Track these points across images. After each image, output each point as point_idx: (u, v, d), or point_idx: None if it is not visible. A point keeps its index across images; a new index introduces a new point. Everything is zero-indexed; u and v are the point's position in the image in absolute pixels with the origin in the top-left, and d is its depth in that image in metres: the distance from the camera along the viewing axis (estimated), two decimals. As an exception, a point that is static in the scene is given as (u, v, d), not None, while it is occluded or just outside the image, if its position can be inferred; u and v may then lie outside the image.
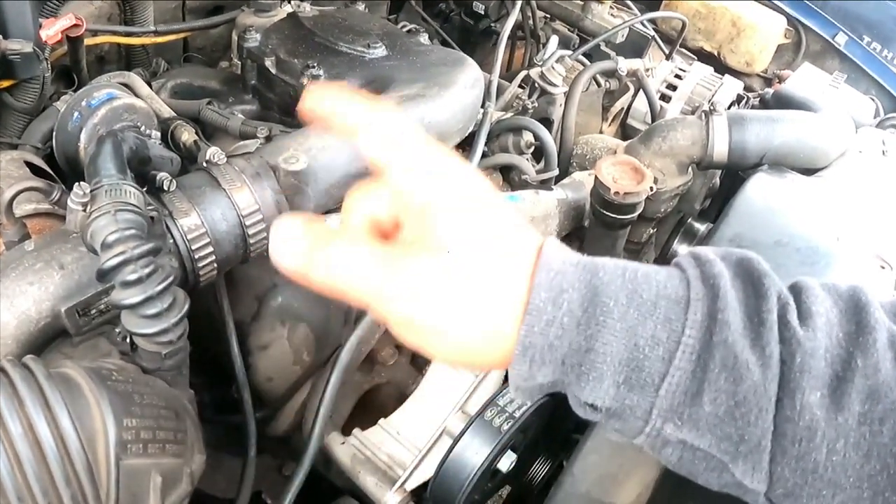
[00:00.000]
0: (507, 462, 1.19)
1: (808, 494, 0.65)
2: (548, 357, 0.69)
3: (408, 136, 0.71)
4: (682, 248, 1.64)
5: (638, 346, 0.66)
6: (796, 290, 0.71)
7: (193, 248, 1.06)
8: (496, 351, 0.70)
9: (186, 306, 0.93)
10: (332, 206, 1.27)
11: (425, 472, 1.25)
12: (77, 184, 0.96)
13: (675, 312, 0.67)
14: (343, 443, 1.32)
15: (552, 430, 1.32)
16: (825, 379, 0.65)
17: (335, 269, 0.68)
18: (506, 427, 1.14)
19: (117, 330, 0.97)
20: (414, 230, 0.71)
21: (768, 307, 0.67)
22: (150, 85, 1.47)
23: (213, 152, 1.17)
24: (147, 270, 0.87)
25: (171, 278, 0.90)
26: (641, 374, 0.66)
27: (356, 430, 1.34)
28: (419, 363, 1.55)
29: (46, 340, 0.96)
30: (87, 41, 1.49)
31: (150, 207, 1.00)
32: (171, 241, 1.05)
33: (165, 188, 1.08)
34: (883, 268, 1.39)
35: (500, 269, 0.70)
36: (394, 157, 0.70)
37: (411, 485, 1.25)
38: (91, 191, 0.95)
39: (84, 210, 0.95)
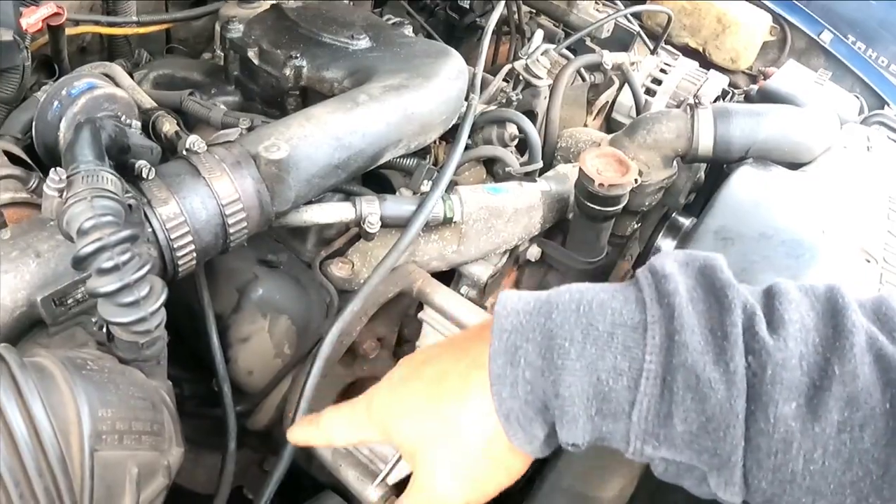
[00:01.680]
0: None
1: (787, 502, 0.65)
2: (529, 413, 0.72)
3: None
4: (665, 243, 1.64)
5: (601, 380, 0.68)
6: (769, 296, 0.71)
7: (172, 237, 1.04)
8: (500, 436, 0.75)
9: (164, 295, 0.91)
10: (313, 196, 1.26)
11: (407, 467, 1.23)
12: (53, 169, 0.95)
13: (634, 339, 0.68)
14: (324, 437, 1.31)
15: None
16: (801, 388, 0.64)
17: None
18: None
19: (94, 319, 0.96)
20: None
21: (732, 320, 0.67)
22: (131, 76, 1.45)
23: (193, 140, 1.15)
24: (124, 258, 0.86)
25: (148, 266, 0.88)
26: (611, 404, 0.68)
27: (337, 424, 1.32)
28: (400, 356, 1.53)
29: (22, 330, 0.94)
30: (69, 31, 1.47)
31: (128, 195, 0.99)
32: (150, 229, 1.03)
33: (144, 176, 1.06)
34: (868, 261, 1.39)
35: (456, 373, 0.79)
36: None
37: (393, 479, 1.24)
38: (68, 177, 0.93)
39: (60, 196, 0.93)
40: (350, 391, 1.47)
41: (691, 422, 0.65)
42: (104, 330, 0.94)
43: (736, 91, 2.37)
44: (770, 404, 0.64)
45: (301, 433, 0.98)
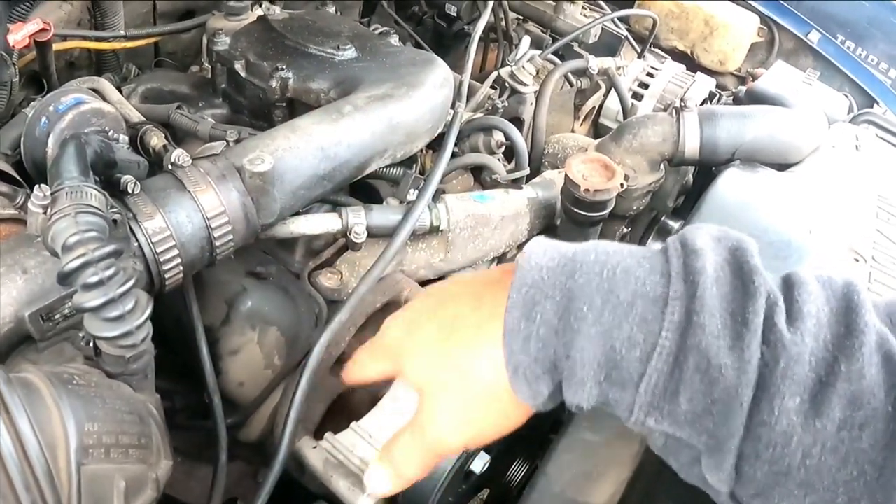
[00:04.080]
0: (480, 463, 1.18)
1: (780, 494, 0.66)
2: (538, 370, 0.72)
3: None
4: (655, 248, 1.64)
5: (615, 349, 0.68)
6: (789, 286, 0.70)
7: (158, 251, 1.05)
8: (505, 387, 0.75)
9: (149, 309, 0.92)
10: (299, 208, 1.26)
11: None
12: (37, 186, 0.95)
13: (653, 312, 0.67)
14: (315, 447, 1.31)
15: (528, 431, 1.31)
16: (806, 384, 0.64)
17: (410, 466, 0.84)
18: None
19: (81, 334, 0.96)
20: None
21: (755, 308, 0.66)
22: (120, 90, 1.46)
23: (178, 154, 1.16)
24: (108, 273, 0.86)
25: (133, 280, 0.89)
26: (621, 372, 0.68)
27: (328, 434, 1.32)
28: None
29: (10, 346, 0.94)
30: (57, 46, 1.48)
31: (113, 210, 0.99)
32: (136, 244, 1.03)
33: (130, 191, 1.06)
34: (857, 260, 1.39)
35: (473, 319, 0.79)
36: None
37: (384, 488, 1.24)
38: (52, 193, 0.93)
39: (45, 212, 0.93)
40: (341, 401, 1.47)
41: (696, 402, 0.65)
42: (91, 345, 0.94)
43: (724, 93, 2.38)
44: (776, 397, 0.64)
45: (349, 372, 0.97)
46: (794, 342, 0.65)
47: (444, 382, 0.80)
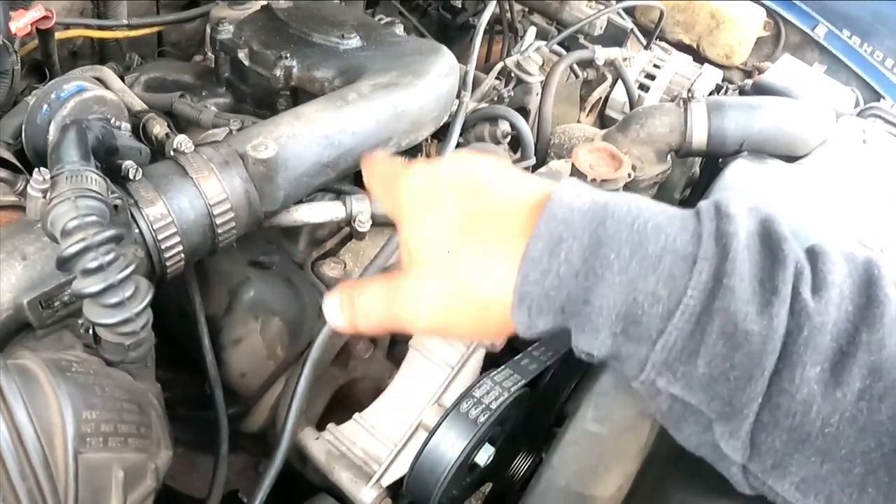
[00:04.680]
0: (484, 455, 1.17)
1: (797, 462, 0.65)
2: (545, 306, 0.70)
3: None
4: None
5: (637, 301, 0.66)
6: (813, 255, 0.69)
7: (160, 237, 1.04)
8: (506, 306, 0.73)
9: (150, 296, 0.90)
10: (303, 196, 1.25)
11: (401, 467, 1.23)
12: (37, 169, 0.94)
13: (681, 269, 0.66)
14: (317, 438, 1.30)
15: (533, 424, 1.30)
16: (828, 353, 0.63)
17: (366, 317, 0.83)
18: (482, 419, 1.12)
19: (81, 322, 0.95)
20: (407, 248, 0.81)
21: (784, 277, 0.65)
22: (123, 79, 1.45)
23: (181, 141, 1.15)
24: (108, 258, 0.85)
25: (132, 266, 0.88)
26: (639, 327, 0.67)
27: (331, 426, 1.32)
28: (395, 357, 1.53)
29: (9, 334, 0.93)
30: (60, 35, 1.47)
31: (114, 196, 0.98)
32: (137, 230, 1.02)
33: (131, 177, 1.05)
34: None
35: (499, 228, 0.75)
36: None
37: (387, 480, 1.23)
38: (52, 177, 0.93)
39: (44, 197, 0.92)
40: (344, 393, 1.46)
41: (715, 366, 0.64)
42: (91, 332, 0.93)
43: (730, 86, 2.37)
44: (798, 365, 0.63)
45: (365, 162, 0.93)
46: (818, 311, 0.64)
47: (439, 265, 0.76)
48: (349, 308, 0.84)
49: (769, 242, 0.67)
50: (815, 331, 0.63)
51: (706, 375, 0.65)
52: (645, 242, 0.67)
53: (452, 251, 0.76)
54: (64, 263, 0.85)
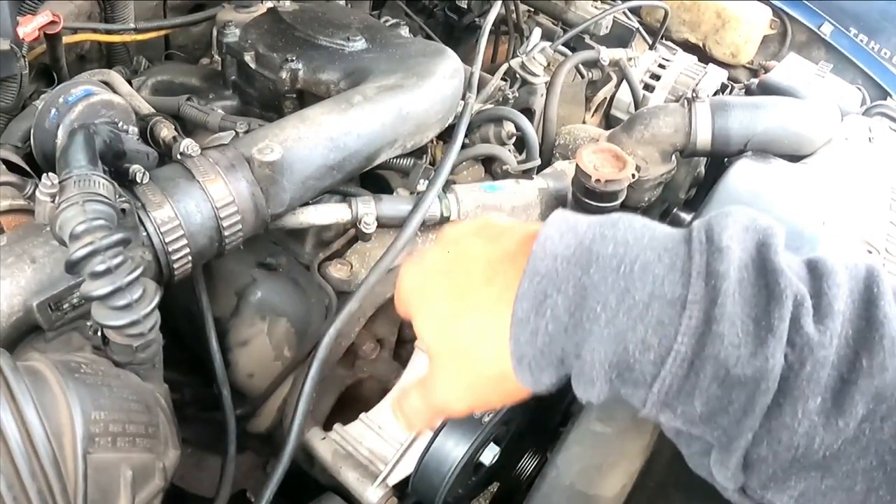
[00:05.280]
0: (490, 455, 1.17)
1: (797, 478, 0.64)
2: (543, 363, 0.71)
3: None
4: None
5: (627, 351, 0.66)
6: (816, 276, 0.67)
7: (167, 240, 1.05)
8: (509, 370, 0.74)
9: (157, 298, 0.92)
10: (309, 198, 1.26)
11: (407, 467, 1.23)
12: (45, 174, 0.95)
13: (669, 315, 0.64)
14: (324, 438, 1.31)
15: (539, 424, 1.30)
16: (829, 383, 0.62)
17: (417, 418, 0.86)
18: (487, 418, 1.12)
19: (90, 324, 0.96)
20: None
21: (781, 313, 0.63)
22: (130, 82, 1.46)
23: (187, 144, 1.16)
24: (116, 261, 0.86)
25: (140, 269, 0.89)
26: (633, 373, 0.66)
27: (337, 426, 1.32)
28: (401, 357, 1.54)
29: (19, 336, 0.94)
30: (67, 39, 1.48)
31: (121, 199, 0.99)
32: (145, 233, 1.03)
33: (139, 180, 1.06)
34: (870, 252, 1.38)
35: (486, 298, 0.76)
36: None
37: (393, 480, 1.24)
38: (60, 182, 0.94)
39: (52, 201, 0.93)
40: (350, 393, 1.47)
41: (712, 405, 0.64)
42: (99, 334, 0.94)
43: (736, 85, 2.36)
44: (800, 399, 0.62)
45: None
46: (821, 344, 0.62)
47: (449, 352, 0.79)
48: (402, 417, 0.87)
49: (764, 275, 0.65)
50: (818, 365, 0.62)
51: (705, 413, 0.65)
52: (632, 289, 0.66)
53: (451, 336, 0.78)
54: (73, 267, 0.86)
